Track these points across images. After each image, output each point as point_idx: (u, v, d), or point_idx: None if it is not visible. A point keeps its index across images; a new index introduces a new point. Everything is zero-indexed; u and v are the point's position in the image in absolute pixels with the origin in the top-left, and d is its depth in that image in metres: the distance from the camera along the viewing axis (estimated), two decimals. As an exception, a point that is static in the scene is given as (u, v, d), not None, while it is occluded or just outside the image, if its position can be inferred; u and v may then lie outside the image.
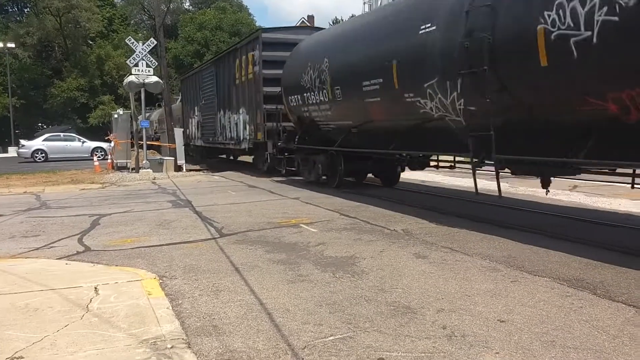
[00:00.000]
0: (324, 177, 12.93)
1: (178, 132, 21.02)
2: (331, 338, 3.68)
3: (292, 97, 13.29)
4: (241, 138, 17.63)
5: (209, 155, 24.88)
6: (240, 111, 17.50)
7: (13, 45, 44.67)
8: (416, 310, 4.20)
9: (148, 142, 20.28)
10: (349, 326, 3.89)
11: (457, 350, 3.45)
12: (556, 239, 6.62)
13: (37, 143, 30.48)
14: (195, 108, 23.94)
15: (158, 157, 22.27)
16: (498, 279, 5.01)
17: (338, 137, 11.80)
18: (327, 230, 7.58)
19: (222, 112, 19.66)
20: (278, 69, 14.52)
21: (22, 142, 31.84)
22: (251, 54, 16.28)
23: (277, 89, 14.52)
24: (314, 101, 12.06)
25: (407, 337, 3.67)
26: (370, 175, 13.92)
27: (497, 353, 3.39)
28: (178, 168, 19.91)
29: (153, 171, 18.47)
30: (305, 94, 12.48)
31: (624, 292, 4.54)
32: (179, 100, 33.18)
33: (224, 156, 25.53)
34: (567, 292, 4.59)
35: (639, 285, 4.72)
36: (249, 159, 21.75)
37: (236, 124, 17.99)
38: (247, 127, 16.88)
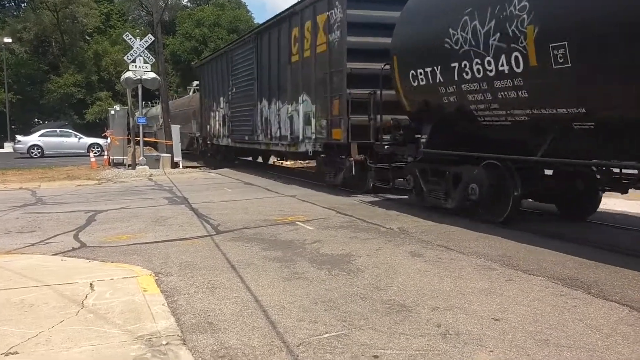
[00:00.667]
0: (470, 202, 8.02)
1: (175, 129, 21.00)
2: (326, 335, 3.69)
3: (418, 71, 8.40)
4: (300, 137, 12.87)
5: (238, 158, 21.14)
6: (300, 100, 12.75)
7: (10, 40, 44.50)
8: (411, 309, 4.21)
9: (145, 139, 20.24)
10: (344, 324, 3.90)
11: (451, 348, 3.46)
12: (551, 239, 6.65)
13: (34, 139, 30.38)
14: (221, 99, 19.33)
15: (155, 153, 22.24)
16: (493, 278, 5.03)
17: (532, 139, 7.00)
18: (324, 228, 7.59)
19: (264, 102, 15.12)
20: (372, 35, 10.42)
21: (18, 137, 31.74)
22: (324, 15, 11.40)
23: (373, 66, 9.88)
24: (476, 74, 7.24)
25: (402, 335, 3.69)
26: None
27: (491, 351, 3.41)
28: (174, 165, 19.90)
29: (149, 168, 18.46)
30: (453, 64, 7.65)
31: (618, 291, 4.56)
32: (192, 90, 29.75)
33: (250, 158, 21.80)
34: (562, 291, 4.62)
35: (633, 284, 4.75)
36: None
37: (290, 117, 13.38)
38: (313, 121, 12.10)
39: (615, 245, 6.28)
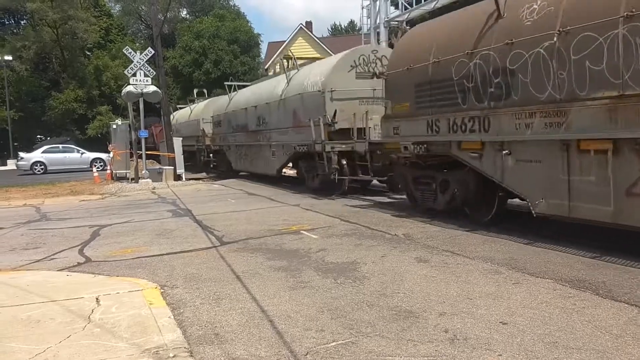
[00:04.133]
0: None
1: (177, 142, 21.01)
2: (333, 344, 3.67)
3: None
4: None
5: None
6: None
7: (10, 58, 44.74)
8: (418, 314, 4.19)
9: (147, 152, 20.24)
10: (351, 331, 3.88)
11: (459, 353, 3.44)
12: (557, 240, 6.61)
13: (36, 155, 30.45)
14: None
15: (157, 166, 22.26)
16: (500, 282, 5.01)
17: None
18: (328, 237, 7.57)
19: None
20: None
21: (21, 154, 31.79)
22: None
23: None
24: None
25: (410, 341, 3.67)
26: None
27: (500, 355, 3.39)
28: (177, 177, 19.91)
29: (152, 181, 18.47)
30: None
31: (627, 292, 4.53)
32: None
33: None
34: (569, 293, 4.59)
35: (641, 284, 4.72)
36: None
37: None
38: None
39: (622, 244, 6.23)
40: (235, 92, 19.93)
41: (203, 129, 22.68)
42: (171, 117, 31.91)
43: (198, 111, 24.64)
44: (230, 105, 19.47)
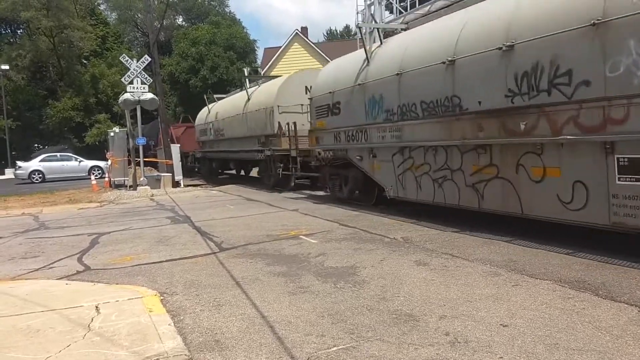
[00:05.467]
0: None
1: (175, 148, 21.03)
2: (334, 349, 3.66)
3: None
4: None
5: None
6: None
7: (7, 67, 44.77)
8: (418, 318, 4.19)
9: (145, 159, 20.23)
10: (351, 336, 3.88)
11: (460, 356, 3.44)
12: (556, 241, 6.62)
13: (34, 164, 30.45)
14: None
15: (155, 173, 22.25)
16: (499, 284, 5.01)
17: None
18: (327, 241, 7.57)
19: None
20: None
21: (19, 163, 31.77)
22: None
23: None
24: None
25: (410, 345, 3.67)
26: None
27: (501, 358, 3.38)
28: (176, 184, 19.91)
29: (151, 188, 18.47)
30: None
31: (626, 292, 4.54)
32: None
33: None
34: (569, 294, 4.59)
35: (640, 284, 4.73)
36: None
37: None
38: None
39: (620, 245, 6.24)
40: (379, 45, 11.13)
41: (287, 125, 14.65)
42: (204, 111, 24.00)
43: (266, 97, 16.44)
44: (370, 70, 10.56)
